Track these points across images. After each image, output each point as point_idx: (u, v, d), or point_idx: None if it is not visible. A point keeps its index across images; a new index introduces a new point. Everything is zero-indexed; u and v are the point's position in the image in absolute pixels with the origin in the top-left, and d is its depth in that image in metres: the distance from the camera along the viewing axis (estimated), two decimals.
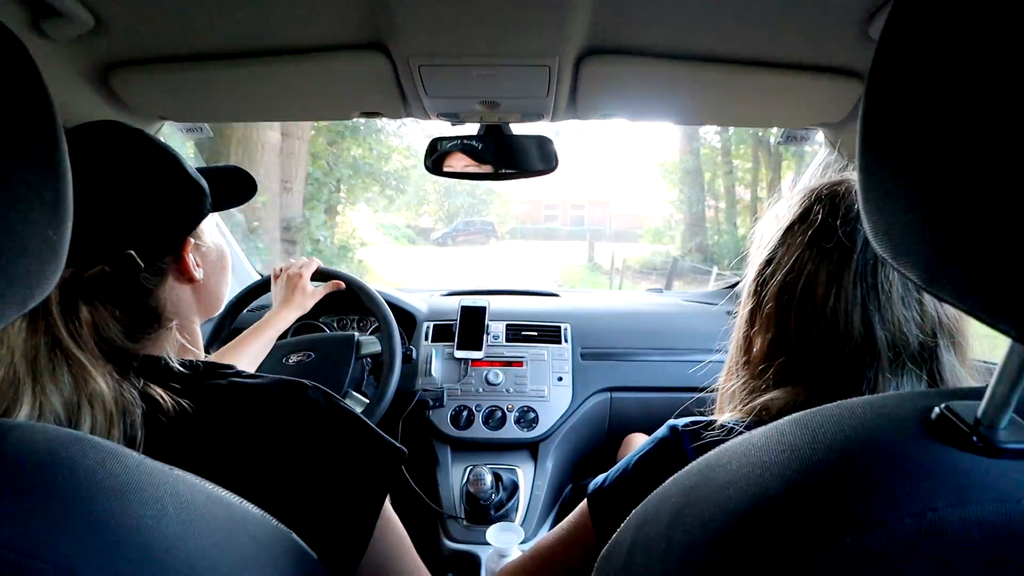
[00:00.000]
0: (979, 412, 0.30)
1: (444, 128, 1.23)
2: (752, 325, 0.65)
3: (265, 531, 0.47)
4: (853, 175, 0.62)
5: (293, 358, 1.35)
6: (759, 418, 0.60)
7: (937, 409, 0.32)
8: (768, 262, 0.63)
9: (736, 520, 0.32)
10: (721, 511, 0.34)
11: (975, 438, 0.29)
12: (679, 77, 0.97)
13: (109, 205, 0.61)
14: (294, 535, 0.51)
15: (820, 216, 0.59)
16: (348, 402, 1.32)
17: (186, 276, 0.69)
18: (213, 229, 0.77)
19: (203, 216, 0.71)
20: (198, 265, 0.70)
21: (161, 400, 0.58)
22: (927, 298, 0.56)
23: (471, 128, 1.23)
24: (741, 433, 0.42)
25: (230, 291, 0.83)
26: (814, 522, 0.29)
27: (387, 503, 0.66)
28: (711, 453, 0.40)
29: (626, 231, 18.44)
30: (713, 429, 0.61)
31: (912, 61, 0.30)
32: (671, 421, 0.67)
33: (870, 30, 0.80)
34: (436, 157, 1.26)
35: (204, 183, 0.72)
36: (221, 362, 0.69)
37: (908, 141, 0.30)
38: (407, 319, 1.65)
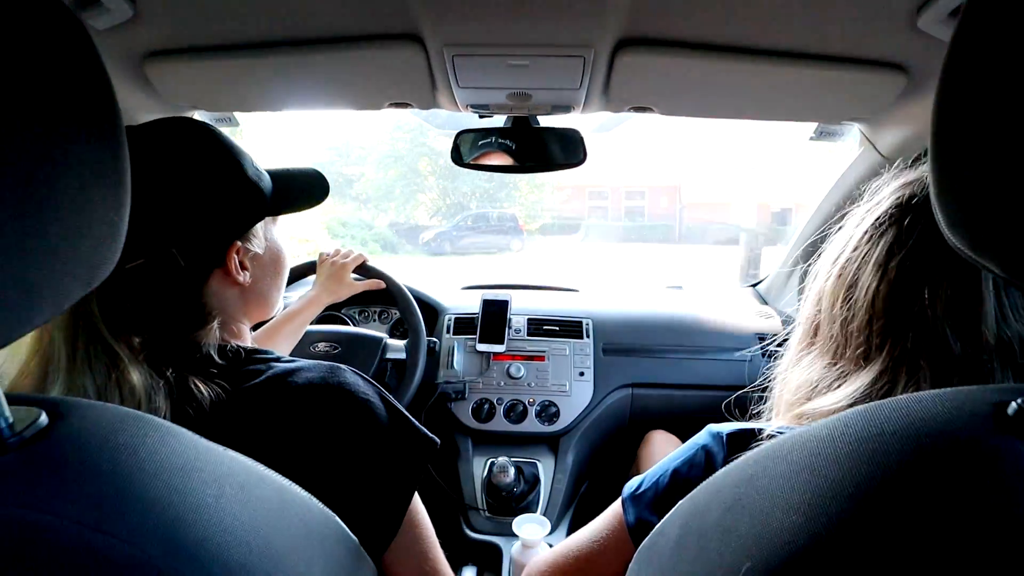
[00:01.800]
0: None
1: (472, 120, 1.22)
2: (839, 305, 0.60)
3: (312, 513, 0.48)
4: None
5: (321, 347, 1.36)
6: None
7: (1015, 404, 0.31)
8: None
9: (801, 512, 0.32)
10: (783, 503, 0.33)
11: None
12: (716, 70, 0.96)
13: (157, 201, 0.61)
14: (337, 518, 0.51)
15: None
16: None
17: (230, 279, 0.69)
18: (271, 231, 0.76)
19: (254, 222, 0.70)
20: (244, 268, 0.70)
21: (196, 390, 0.59)
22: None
23: (499, 120, 1.23)
24: None
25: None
26: (885, 516, 0.28)
27: (416, 493, 0.66)
28: (769, 444, 0.40)
29: (705, 228, 13.59)
30: (760, 439, 0.58)
31: (992, 45, 0.29)
32: (713, 428, 0.64)
33: (919, 22, 0.78)
34: (463, 149, 1.26)
35: (266, 185, 0.72)
36: (259, 347, 0.69)
37: (987, 128, 0.29)
38: (429, 312, 1.66)
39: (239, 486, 0.40)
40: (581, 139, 1.21)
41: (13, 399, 0.36)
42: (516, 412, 1.49)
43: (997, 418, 0.31)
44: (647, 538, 0.49)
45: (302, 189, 0.80)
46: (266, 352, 0.67)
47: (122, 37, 0.89)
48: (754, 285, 1.91)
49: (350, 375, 0.66)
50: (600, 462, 1.61)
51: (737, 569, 0.32)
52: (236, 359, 0.64)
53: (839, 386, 0.58)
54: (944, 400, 0.34)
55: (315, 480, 0.54)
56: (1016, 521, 0.26)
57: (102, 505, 0.32)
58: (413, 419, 0.67)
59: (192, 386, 0.59)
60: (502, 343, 1.56)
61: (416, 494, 0.66)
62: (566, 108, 1.14)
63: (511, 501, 1.36)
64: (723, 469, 0.42)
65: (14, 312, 0.30)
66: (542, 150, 1.25)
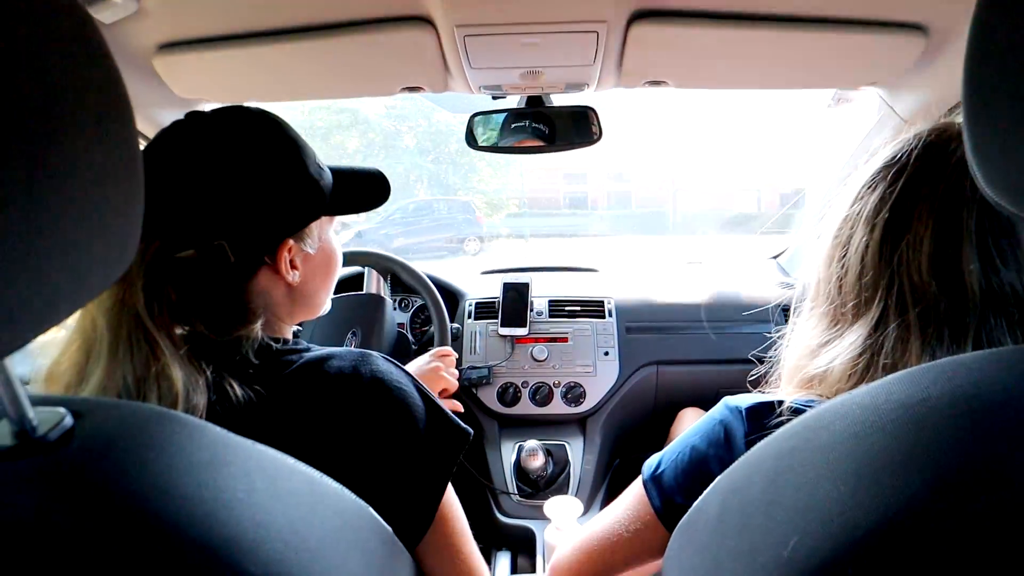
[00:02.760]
0: None
1: (486, 103, 1.21)
2: (834, 263, 0.60)
3: (346, 505, 0.48)
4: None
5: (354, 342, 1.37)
6: (830, 390, 0.58)
7: None
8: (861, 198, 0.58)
9: (848, 482, 0.31)
10: (829, 474, 0.32)
11: None
12: (731, 39, 0.93)
13: (212, 191, 0.61)
14: (371, 509, 0.51)
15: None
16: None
17: (279, 277, 0.67)
18: (326, 230, 0.74)
19: (310, 220, 0.69)
20: (294, 267, 0.68)
21: (231, 391, 0.58)
22: None
23: (512, 102, 1.21)
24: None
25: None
26: (939, 483, 0.28)
27: (449, 483, 0.66)
28: (808, 415, 0.39)
29: (702, 215, 10.61)
30: (778, 413, 0.57)
31: None
32: (730, 401, 0.63)
33: None
34: (477, 132, 1.25)
35: (327, 184, 0.70)
36: (296, 340, 0.69)
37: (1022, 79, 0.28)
38: (450, 298, 1.66)
39: (270, 480, 0.40)
40: (596, 116, 1.19)
41: (37, 400, 0.35)
42: (542, 395, 1.49)
43: None
44: (685, 516, 0.49)
45: (363, 190, 0.78)
46: (300, 345, 0.67)
47: (129, 31, 0.89)
48: (775, 257, 1.88)
49: (383, 362, 0.65)
50: (629, 440, 1.60)
51: (784, 543, 0.31)
52: (271, 353, 0.64)
53: (836, 344, 0.58)
54: (990, 360, 0.33)
55: (348, 470, 0.53)
56: None
57: (130, 505, 0.32)
58: (447, 409, 0.67)
59: (228, 387, 0.58)
60: (525, 326, 1.55)
61: (450, 486, 0.66)
62: (580, 86, 1.12)
63: (542, 484, 1.36)
64: (763, 442, 0.41)
65: (32, 311, 0.30)
66: (557, 129, 1.23)
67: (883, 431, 0.32)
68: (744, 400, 0.61)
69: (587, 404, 1.48)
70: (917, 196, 0.54)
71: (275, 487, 0.40)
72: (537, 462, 1.33)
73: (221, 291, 0.63)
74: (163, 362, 0.56)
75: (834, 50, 0.97)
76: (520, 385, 1.51)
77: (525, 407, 1.49)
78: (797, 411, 0.56)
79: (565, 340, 1.55)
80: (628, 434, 1.59)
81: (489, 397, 1.50)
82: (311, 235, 0.70)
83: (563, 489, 1.36)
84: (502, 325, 1.56)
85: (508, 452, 1.43)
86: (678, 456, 0.64)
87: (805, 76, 1.11)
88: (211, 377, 0.58)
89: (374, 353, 0.66)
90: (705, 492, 0.46)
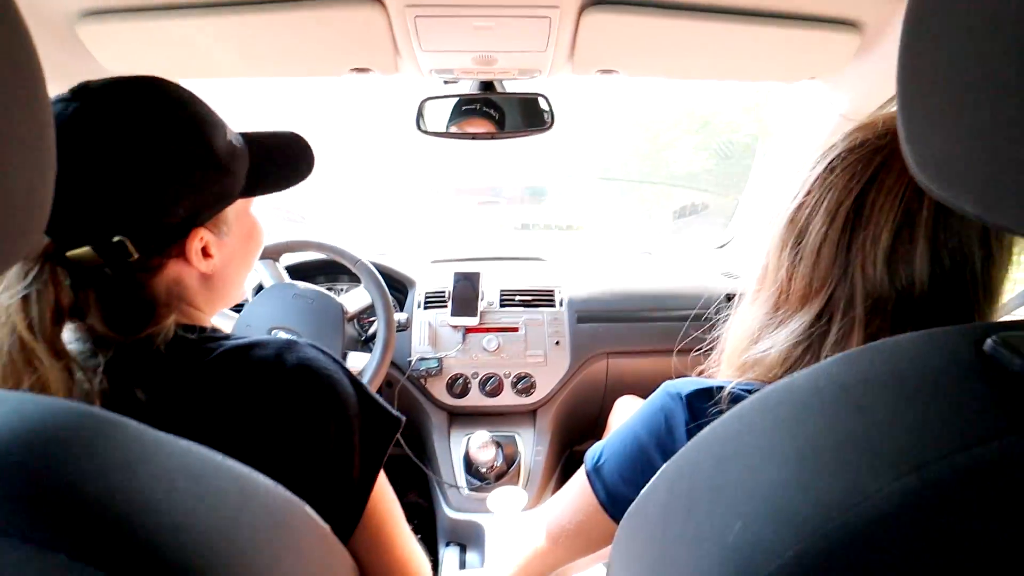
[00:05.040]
0: None
1: (436, 88, 1.18)
2: (786, 251, 0.60)
3: (278, 502, 0.45)
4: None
5: (282, 336, 1.30)
6: (768, 374, 0.58)
7: (990, 340, 0.31)
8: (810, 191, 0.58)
9: (789, 466, 0.31)
10: (772, 458, 0.32)
11: None
12: (679, 30, 0.94)
13: (102, 179, 0.53)
14: (306, 505, 0.49)
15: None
16: (353, 359, 1.28)
17: (191, 266, 0.61)
18: (243, 209, 0.67)
19: (223, 206, 0.62)
20: (208, 255, 0.62)
21: (140, 393, 0.53)
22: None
23: (464, 87, 1.19)
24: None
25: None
26: (876, 462, 0.28)
27: (381, 472, 0.63)
28: (755, 397, 0.39)
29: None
30: (717, 400, 0.57)
31: None
32: (671, 388, 0.62)
33: None
34: (427, 117, 1.22)
35: (240, 163, 0.63)
36: (215, 328, 0.64)
37: (950, 72, 0.29)
38: (399, 287, 1.62)
39: (193, 478, 0.37)
40: (548, 102, 1.18)
41: None
42: (492, 386, 1.48)
43: (976, 355, 0.31)
44: (632, 506, 0.48)
45: (284, 163, 0.70)
46: (220, 334, 0.62)
47: None
48: (721, 247, 1.92)
49: (311, 350, 0.61)
50: (580, 431, 1.61)
51: (729, 528, 0.31)
52: (186, 345, 0.58)
53: (778, 330, 0.58)
54: (926, 341, 0.34)
55: (276, 461, 0.50)
56: (991, 453, 0.26)
57: (39, 511, 0.29)
58: (377, 396, 0.64)
59: (137, 390, 0.53)
60: (475, 316, 1.53)
61: (383, 475, 0.63)
62: (532, 72, 1.10)
63: (492, 477, 1.35)
64: (710, 427, 0.41)
65: None
66: (507, 115, 1.22)
67: (824, 413, 0.32)
68: (685, 386, 0.61)
69: (537, 395, 1.48)
70: (881, 188, 0.54)
71: (199, 486, 0.37)
72: (486, 454, 1.32)
73: (125, 290, 0.57)
74: (41, 372, 0.50)
75: (776, 44, 1.00)
76: (470, 376, 1.49)
77: (475, 398, 1.48)
78: (736, 397, 0.56)
79: (516, 330, 1.54)
80: (579, 424, 1.60)
81: (439, 389, 1.48)
82: (226, 220, 0.64)
83: (513, 481, 1.36)
84: (452, 315, 1.54)
85: (457, 445, 1.42)
86: (620, 446, 0.64)
87: (749, 68, 1.13)
88: (106, 384, 0.53)
89: (300, 340, 0.61)
90: (652, 479, 0.46)
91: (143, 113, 0.55)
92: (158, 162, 0.55)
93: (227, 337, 0.61)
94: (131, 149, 0.54)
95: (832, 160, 0.58)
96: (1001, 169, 0.27)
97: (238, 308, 1.33)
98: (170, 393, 0.54)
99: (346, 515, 0.59)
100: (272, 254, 1.38)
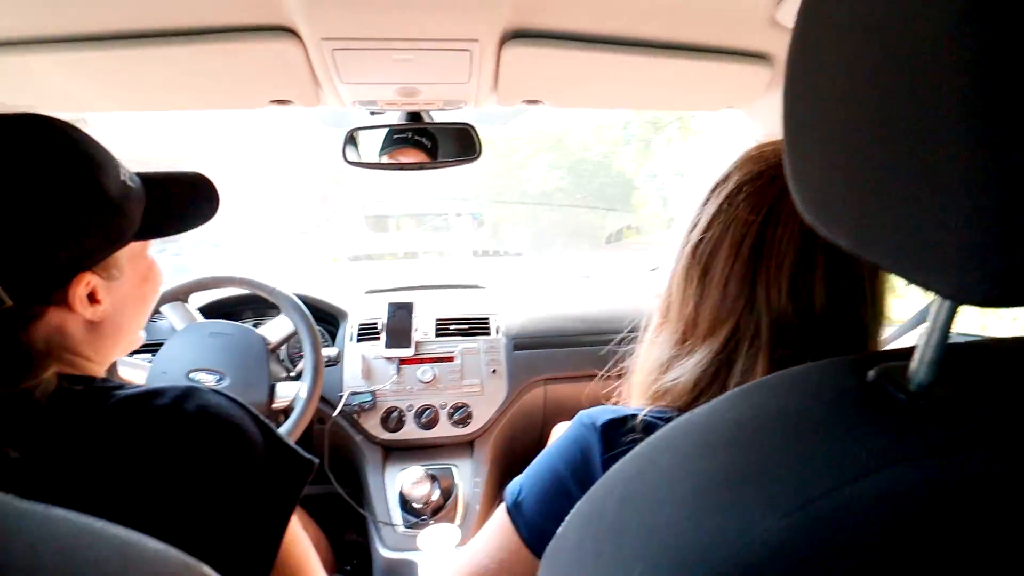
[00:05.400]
0: (911, 371, 0.30)
1: (363, 119, 1.17)
2: (692, 286, 0.60)
3: (169, 567, 0.42)
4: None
5: (204, 378, 1.23)
6: (681, 402, 0.59)
7: (872, 372, 0.32)
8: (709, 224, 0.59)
9: (686, 505, 0.31)
10: (671, 497, 0.32)
11: (907, 397, 0.30)
12: (599, 61, 0.96)
13: None
14: (204, 567, 0.45)
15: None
16: (282, 389, 1.22)
17: (75, 313, 0.57)
18: (139, 251, 0.63)
19: (112, 249, 0.58)
20: (96, 301, 0.58)
21: (10, 452, 0.49)
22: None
23: (392, 118, 1.17)
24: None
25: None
26: (766, 499, 0.28)
27: (293, 518, 0.60)
28: (655, 436, 0.39)
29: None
30: (632, 430, 0.57)
31: (825, 32, 0.31)
32: (585, 417, 0.61)
33: (778, 15, 0.82)
34: (353, 148, 1.20)
35: (135, 203, 0.59)
36: (106, 378, 0.60)
37: (828, 106, 0.30)
38: (330, 320, 1.58)
39: (61, 551, 0.33)
40: (475, 133, 1.18)
41: None
42: (428, 418, 1.45)
43: (860, 388, 0.32)
44: (551, 544, 0.47)
45: (185, 205, 0.67)
46: (114, 384, 0.57)
47: None
48: (654, 269, 1.96)
49: (212, 396, 0.58)
50: (520, 460, 1.59)
51: (631, 571, 0.31)
52: (71, 397, 0.54)
53: (686, 360, 0.59)
54: (810, 377, 0.35)
55: (177, 515, 0.48)
56: (875, 484, 0.27)
57: None
58: (287, 439, 0.61)
59: (7, 448, 0.49)
60: (409, 347, 1.50)
61: (296, 520, 0.60)
62: (458, 103, 1.10)
63: (428, 513, 1.31)
64: (615, 466, 0.41)
65: None
66: (440, 144, 1.21)
67: (718, 451, 0.33)
68: (599, 415, 0.60)
69: (475, 425, 1.46)
70: (779, 219, 0.55)
71: (69, 561, 0.34)
72: (421, 490, 1.28)
73: None
74: None
75: (692, 75, 1.03)
76: (405, 409, 1.45)
77: (411, 431, 1.44)
78: (649, 425, 0.56)
79: (451, 359, 1.51)
80: (518, 453, 1.58)
81: (372, 423, 1.44)
82: (117, 263, 0.60)
83: (451, 515, 1.33)
84: (386, 347, 1.50)
85: (393, 480, 1.38)
86: (539, 480, 0.62)
87: (669, 98, 1.17)
88: None
89: (202, 387, 0.58)
90: (567, 518, 0.45)
91: (20, 151, 0.52)
92: (36, 202, 0.52)
93: (120, 387, 0.57)
94: (4, 188, 0.51)
95: (730, 192, 0.59)
96: (872, 208, 0.28)
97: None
98: (51, 450, 0.50)
99: (255, 568, 0.56)
100: (179, 295, 1.31)
